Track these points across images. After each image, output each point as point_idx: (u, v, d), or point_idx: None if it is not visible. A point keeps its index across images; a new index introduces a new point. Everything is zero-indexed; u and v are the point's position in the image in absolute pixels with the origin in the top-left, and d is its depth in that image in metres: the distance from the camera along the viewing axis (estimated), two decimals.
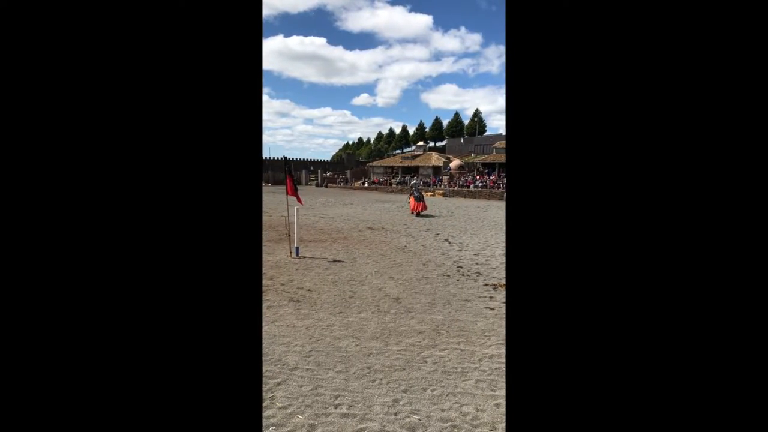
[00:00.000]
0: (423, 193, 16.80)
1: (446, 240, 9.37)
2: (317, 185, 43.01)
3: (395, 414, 2.52)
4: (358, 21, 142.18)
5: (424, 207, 15.22)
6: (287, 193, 7.64)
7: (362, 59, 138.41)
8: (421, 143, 47.54)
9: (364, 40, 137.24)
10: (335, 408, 2.58)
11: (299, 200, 7.73)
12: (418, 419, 2.47)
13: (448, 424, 2.42)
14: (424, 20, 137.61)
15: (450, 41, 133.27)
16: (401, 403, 2.65)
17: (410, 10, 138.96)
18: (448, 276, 6.08)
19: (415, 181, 19.86)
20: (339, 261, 7.01)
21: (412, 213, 15.05)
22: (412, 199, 15.59)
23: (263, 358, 3.25)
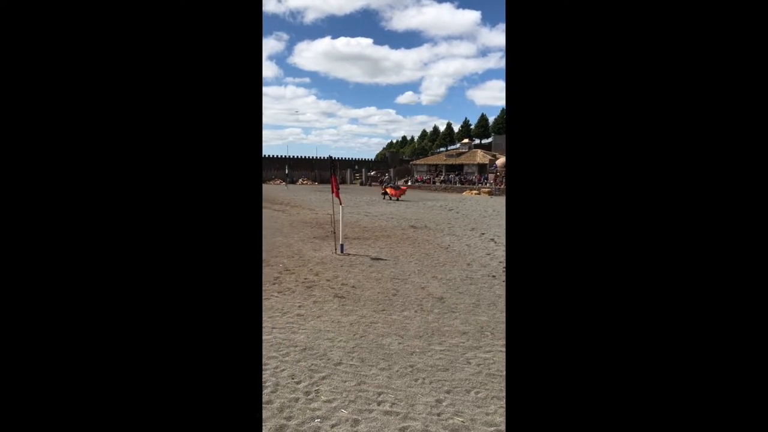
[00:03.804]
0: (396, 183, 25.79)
1: (492, 240, 9.14)
2: (361, 184, 43.52)
3: (438, 414, 2.50)
4: (403, 20, 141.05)
5: (401, 192, 21.86)
6: (333, 192, 7.85)
7: (407, 58, 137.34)
8: (466, 141, 46.77)
9: (410, 39, 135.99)
10: (378, 405, 2.60)
11: (339, 200, 7.91)
12: (462, 421, 2.43)
13: (492, 429, 2.36)
14: (471, 16, 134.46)
15: (498, 36, 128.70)
16: (444, 404, 2.62)
17: (458, 7, 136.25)
18: (494, 277, 5.93)
19: (386, 177, 28.87)
20: (382, 259, 7.06)
21: (392, 197, 21.29)
22: (390, 189, 22.01)
23: (309, 352, 3.34)
